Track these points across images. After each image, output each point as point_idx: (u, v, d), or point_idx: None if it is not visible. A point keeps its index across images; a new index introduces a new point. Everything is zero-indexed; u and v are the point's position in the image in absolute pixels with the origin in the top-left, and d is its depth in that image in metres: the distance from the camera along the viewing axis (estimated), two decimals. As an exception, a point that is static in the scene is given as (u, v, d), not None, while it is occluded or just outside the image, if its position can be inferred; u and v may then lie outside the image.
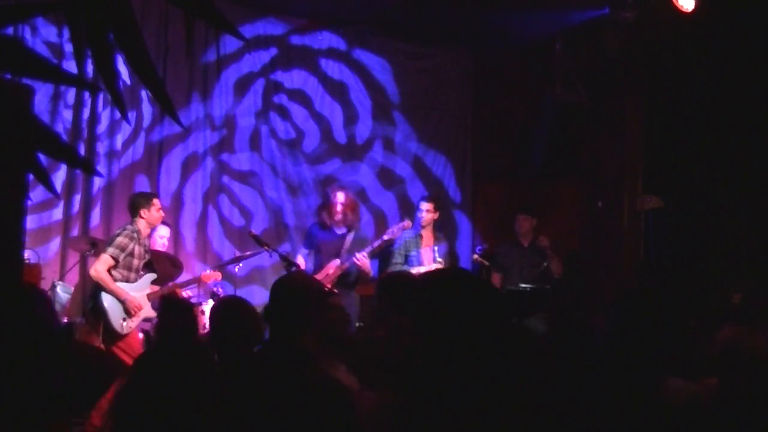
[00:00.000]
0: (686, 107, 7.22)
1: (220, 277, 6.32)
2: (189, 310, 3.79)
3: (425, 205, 6.72)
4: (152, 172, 7.13)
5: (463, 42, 8.25)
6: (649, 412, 1.99)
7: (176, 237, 7.10)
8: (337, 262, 6.19)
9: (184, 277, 6.53)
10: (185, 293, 6.27)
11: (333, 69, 7.98)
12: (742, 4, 6.48)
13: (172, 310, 3.58)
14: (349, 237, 6.38)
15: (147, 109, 7.09)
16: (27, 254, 5.88)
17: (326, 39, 7.93)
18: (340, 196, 6.39)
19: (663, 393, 2.29)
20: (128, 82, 6.81)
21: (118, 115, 6.80)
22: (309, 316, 2.57)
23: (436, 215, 6.73)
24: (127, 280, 5.49)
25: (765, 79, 6.56)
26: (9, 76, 1.27)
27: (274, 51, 7.71)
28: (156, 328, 3.67)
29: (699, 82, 7.04)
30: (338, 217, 6.31)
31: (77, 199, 6.77)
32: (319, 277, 5.97)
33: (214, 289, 6.57)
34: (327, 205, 6.47)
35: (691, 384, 2.87)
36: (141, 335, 5.90)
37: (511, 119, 8.33)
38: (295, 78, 7.81)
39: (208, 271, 6.30)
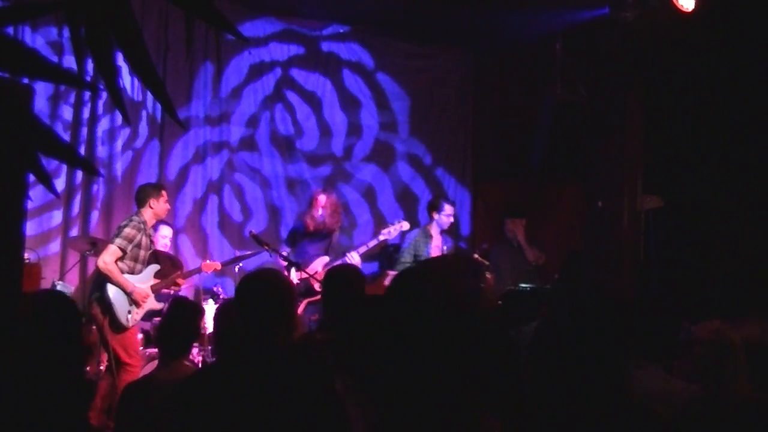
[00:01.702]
0: (686, 107, 7.22)
1: (220, 266, 6.34)
2: (198, 313, 3.79)
3: (450, 209, 6.79)
4: (152, 172, 7.13)
5: (463, 42, 8.25)
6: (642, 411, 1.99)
7: (176, 236, 7.10)
8: (326, 259, 6.21)
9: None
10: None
11: (339, 69, 8.00)
12: (742, 4, 6.47)
13: (181, 312, 3.58)
14: (335, 236, 6.43)
15: (144, 129, 7.11)
16: (27, 254, 5.88)
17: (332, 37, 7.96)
18: (322, 199, 6.45)
19: (657, 392, 2.29)
20: (129, 91, 6.85)
21: (118, 115, 6.82)
22: (282, 312, 2.54)
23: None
24: (132, 272, 5.49)
25: (765, 79, 6.55)
26: (9, 76, 1.27)
27: (275, 47, 7.73)
28: (160, 327, 3.64)
29: (699, 82, 7.03)
30: (318, 219, 6.37)
31: (77, 199, 6.78)
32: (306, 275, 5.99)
33: (214, 289, 6.58)
34: (309, 207, 6.54)
35: (687, 384, 2.88)
36: (140, 335, 5.90)
37: (511, 119, 8.32)
38: (300, 74, 7.83)
39: (208, 261, 6.32)
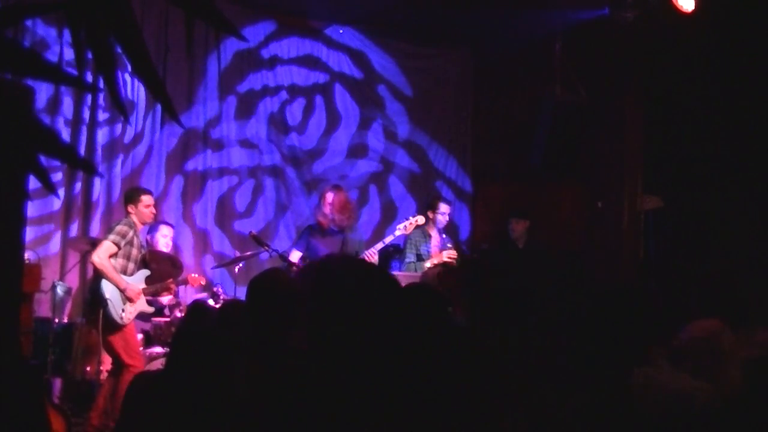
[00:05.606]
0: (686, 107, 7.22)
1: (204, 281, 6.46)
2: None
3: (446, 207, 6.78)
4: (152, 172, 7.13)
5: (463, 42, 8.25)
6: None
7: (175, 236, 7.10)
8: None
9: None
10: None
11: (345, 65, 8.03)
12: (742, 4, 6.47)
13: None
14: (347, 235, 6.39)
15: (144, 129, 7.12)
16: (27, 254, 5.88)
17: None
18: (329, 197, 6.41)
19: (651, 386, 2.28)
20: (129, 91, 6.87)
21: (118, 115, 6.83)
22: (292, 314, 2.53)
23: None
24: (124, 271, 5.50)
25: (765, 79, 6.56)
26: (9, 76, 1.27)
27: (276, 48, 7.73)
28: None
29: (699, 82, 7.03)
30: (328, 217, 6.33)
31: (77, 199, 6.78)
32: None
33: (215, 289, 6.58)
34: (319, 205, 6.51)
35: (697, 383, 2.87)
36: (140, 336, 5.90)
37: (511, 119, 8.33)
38: (298, 71, 7.85)
39: (194, 275, 6.36)
